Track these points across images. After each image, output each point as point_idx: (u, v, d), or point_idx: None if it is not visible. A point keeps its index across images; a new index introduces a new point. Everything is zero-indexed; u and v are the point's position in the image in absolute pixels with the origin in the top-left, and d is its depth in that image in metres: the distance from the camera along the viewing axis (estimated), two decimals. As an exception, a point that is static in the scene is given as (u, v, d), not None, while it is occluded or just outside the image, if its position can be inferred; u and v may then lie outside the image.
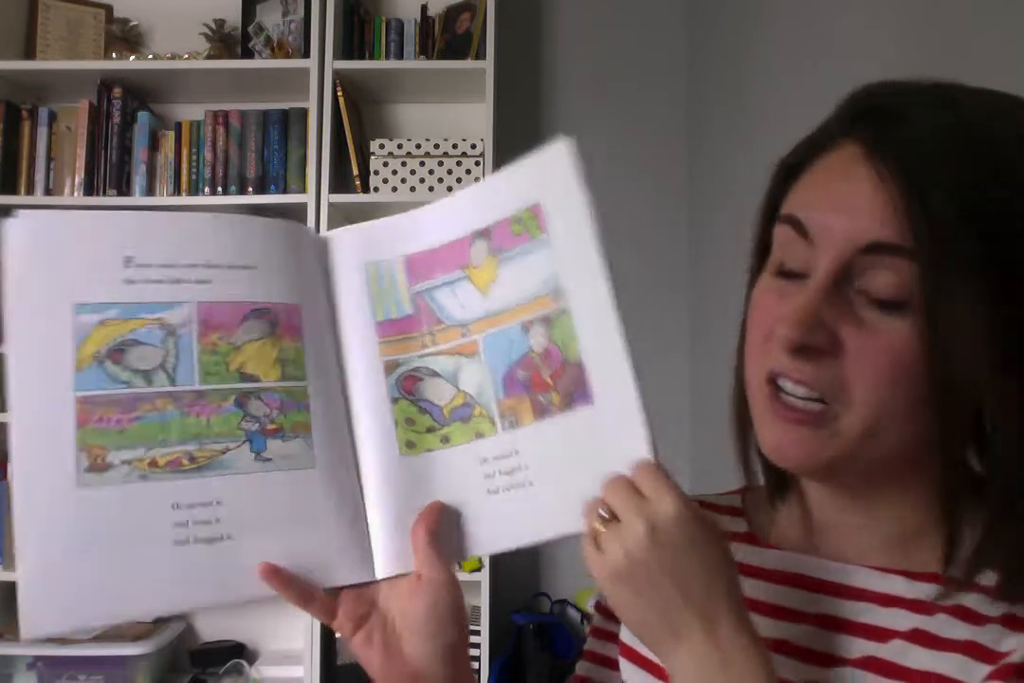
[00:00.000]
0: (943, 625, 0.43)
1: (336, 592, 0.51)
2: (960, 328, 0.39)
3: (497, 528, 0.51)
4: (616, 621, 0.59)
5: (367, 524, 0.52)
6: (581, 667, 0.62)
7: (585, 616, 1.94)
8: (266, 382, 0.52)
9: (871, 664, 0.43)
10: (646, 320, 2.13)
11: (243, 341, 0.52)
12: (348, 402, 0.54)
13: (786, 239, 0.45)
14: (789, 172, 0.47)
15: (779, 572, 0.50)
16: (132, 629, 1.87)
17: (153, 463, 0.49)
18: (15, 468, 0.47)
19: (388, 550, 0.52)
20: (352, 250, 0.57)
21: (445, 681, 0.50)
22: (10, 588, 2.09)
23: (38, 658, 1.81)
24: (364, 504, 0.53)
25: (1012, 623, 0.41)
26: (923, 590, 0.44)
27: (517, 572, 2.05)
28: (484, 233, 0.53)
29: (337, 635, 1.86)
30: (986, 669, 0.40)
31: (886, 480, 0.46)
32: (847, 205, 0.41)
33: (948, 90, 0.43)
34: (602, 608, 0.62)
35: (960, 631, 0.42)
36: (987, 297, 0.39)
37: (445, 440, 0.53)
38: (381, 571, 0.52)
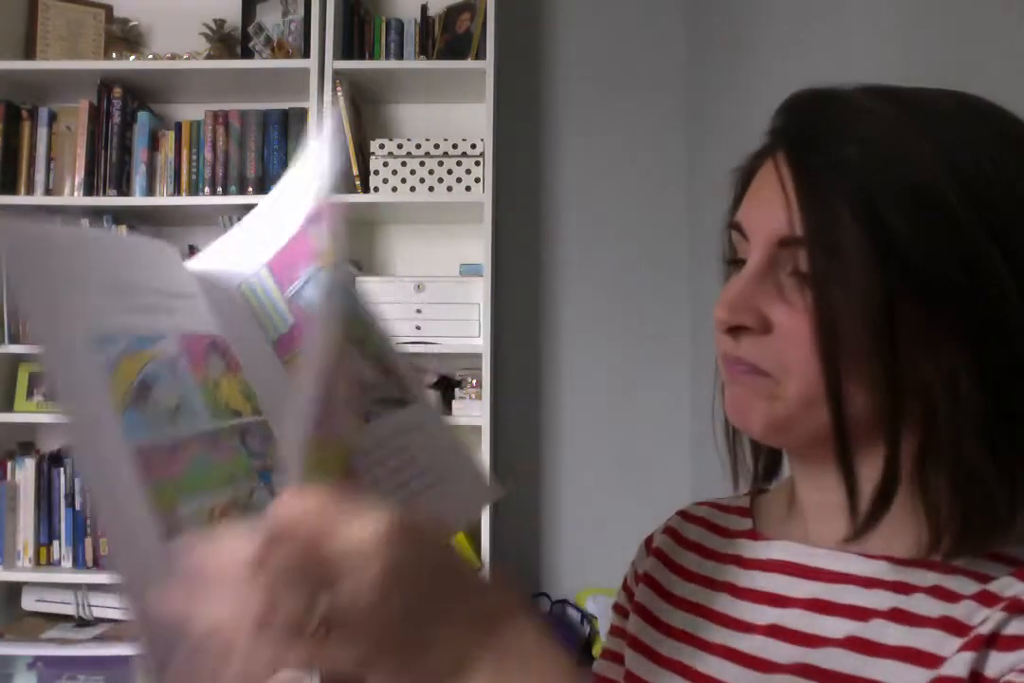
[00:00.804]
0: (920, 603, 0.44)
1: None
2: (842, 306, 0.44)
3: None
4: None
5: None
6: (598, 666, 0.63)
7: (585, 616, 1.94)
8: (247, 417, 0.48)
9: (853, 643, 0.45)
10: (647, 325, 2.13)
11: (217, 375, 0.47)
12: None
13: (736, 241, 0.51)
14: (742, 180, 0.53)
15: (772, 561, 0.53)
16: (132, 629, 1.87)
17: (212, 514, 0.43)
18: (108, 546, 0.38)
19: None
20: (222, 274, 0.52)
21: None
22: (10, 588, 2.08)
23: (38, 658, 1.81)
24: None
25: (985, 599, 0.42)
26: (903, 573, 0.46)
27: (517, 572, 2.05)
28: (313, 218, 0.50)
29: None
30: (959, 642, 0.41)
31: (851, 454, 0.48)
32: (767, 208, 0.48)
33: (864, 99, 0.48)
34: (618, 607, 0.64)
35: (935, 608, 0.44)
36: (874, 281, 0.43)
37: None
38: None
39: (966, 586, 0.43)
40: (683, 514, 0.64)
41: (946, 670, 0.40)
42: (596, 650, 1.83)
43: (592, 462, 2.11)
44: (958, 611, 0.43)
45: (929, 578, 0.45)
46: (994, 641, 0.40)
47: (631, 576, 0.64)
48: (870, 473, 0.46)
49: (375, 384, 0.55)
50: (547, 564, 2.11)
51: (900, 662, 0.43)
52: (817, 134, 0.47)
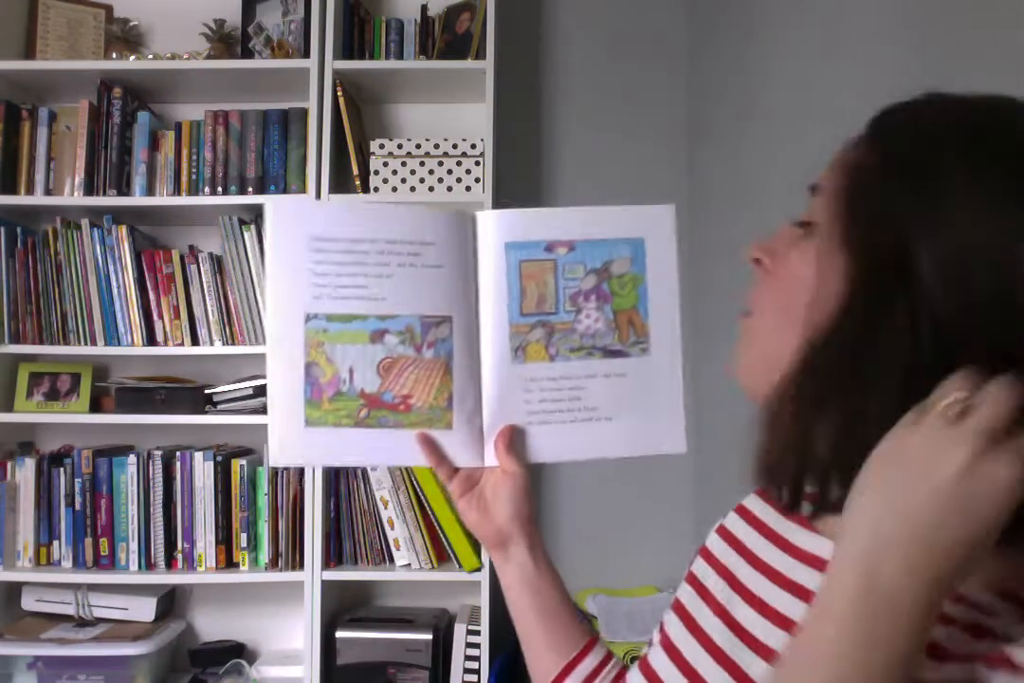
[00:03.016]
0: None
1: (455, 468, 0.75)
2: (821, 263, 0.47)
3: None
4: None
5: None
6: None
7: (585, 616, 1.94)
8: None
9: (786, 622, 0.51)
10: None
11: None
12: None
13: None
14: None
15: (804, 552, 0.55)
16: (132, 629, 1.87)
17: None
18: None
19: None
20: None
21: (517, 535, 0.74)
22: (10, 588, 2.08)
23: (38, 658, 1.81)
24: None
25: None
26: None
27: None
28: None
29: (337, 635, 1.86)
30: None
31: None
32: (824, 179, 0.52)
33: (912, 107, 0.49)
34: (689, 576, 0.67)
35: None
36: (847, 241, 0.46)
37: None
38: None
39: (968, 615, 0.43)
40: (760, 493, 0.66)
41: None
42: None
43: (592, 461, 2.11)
44: (939, 635, 0.42)
45: None
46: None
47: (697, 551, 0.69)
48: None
49: (592, 333, 0.74)
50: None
51: None
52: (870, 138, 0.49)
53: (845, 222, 0.47)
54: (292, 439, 0.72)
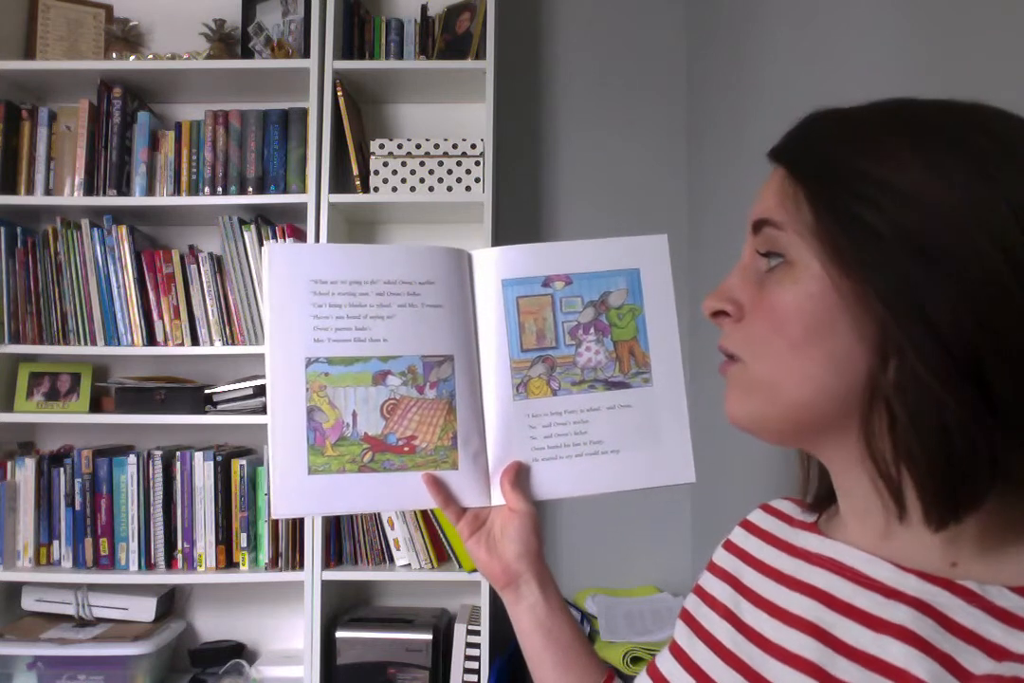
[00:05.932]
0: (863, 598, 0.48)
1: (463, 508, 0.75)
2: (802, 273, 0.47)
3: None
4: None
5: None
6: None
7: (585, 616, 1.94)
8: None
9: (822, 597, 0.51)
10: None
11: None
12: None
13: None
14: None
15: (809, 553, 0.55)
16: (132, 629, 1.87)
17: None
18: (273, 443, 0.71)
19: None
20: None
21: (527, 573, 0.74)
22: (10, 588, 2.08)
23: (38, 658, 1.81)
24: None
25: (994, 651, 0.41)
26: (901, 580, 0.47)
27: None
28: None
29: (337, 635, 1.86)
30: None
31: (843, 454, 0.50)
32: (757, 200, 0.52)
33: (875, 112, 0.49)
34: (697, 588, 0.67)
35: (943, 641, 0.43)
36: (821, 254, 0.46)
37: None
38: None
39: (985, 626, 0.41)
40: (765, 507, 0.66)
41: None
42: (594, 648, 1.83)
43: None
44: (963, 656, 0.41)
45: (948, 603, 0.44)
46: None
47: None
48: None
49: (593, 366, 0.74)
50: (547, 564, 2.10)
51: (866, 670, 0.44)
52: (805, 151, 0.49)
53: (837, 247, 0.45)
54: (294, 488, 0.70)
